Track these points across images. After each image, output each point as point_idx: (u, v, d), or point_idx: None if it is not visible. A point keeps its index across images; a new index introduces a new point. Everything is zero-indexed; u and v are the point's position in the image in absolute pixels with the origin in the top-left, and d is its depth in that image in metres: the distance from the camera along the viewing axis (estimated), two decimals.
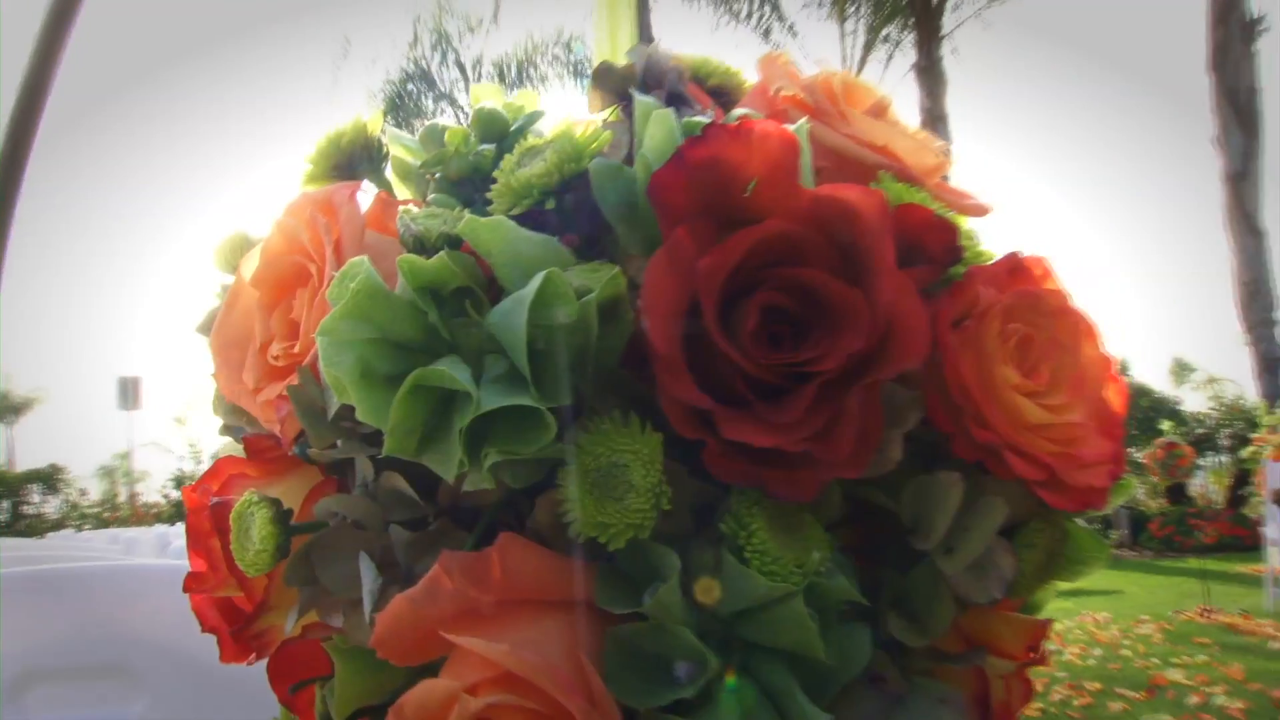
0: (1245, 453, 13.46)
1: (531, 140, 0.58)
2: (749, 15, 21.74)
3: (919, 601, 0.54)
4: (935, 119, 21.51)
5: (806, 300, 0.51)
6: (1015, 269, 0.57)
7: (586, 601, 0.52)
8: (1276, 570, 9.94)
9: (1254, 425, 13.51)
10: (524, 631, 0.51)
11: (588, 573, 0.52)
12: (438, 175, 0.62)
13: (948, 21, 21.56)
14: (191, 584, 0.64)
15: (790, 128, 0.54)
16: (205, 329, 0.67)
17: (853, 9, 22.13)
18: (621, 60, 0.63)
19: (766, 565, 0.50)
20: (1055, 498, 0.54)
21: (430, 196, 0.62)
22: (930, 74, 21.11)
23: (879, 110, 0.62)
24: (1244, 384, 20.71)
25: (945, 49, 21.63)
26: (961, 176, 0.65)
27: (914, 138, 0.61)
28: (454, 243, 0.54)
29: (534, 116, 0.63)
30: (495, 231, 0.52)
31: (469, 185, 0.60)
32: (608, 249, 0.57)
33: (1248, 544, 13.84)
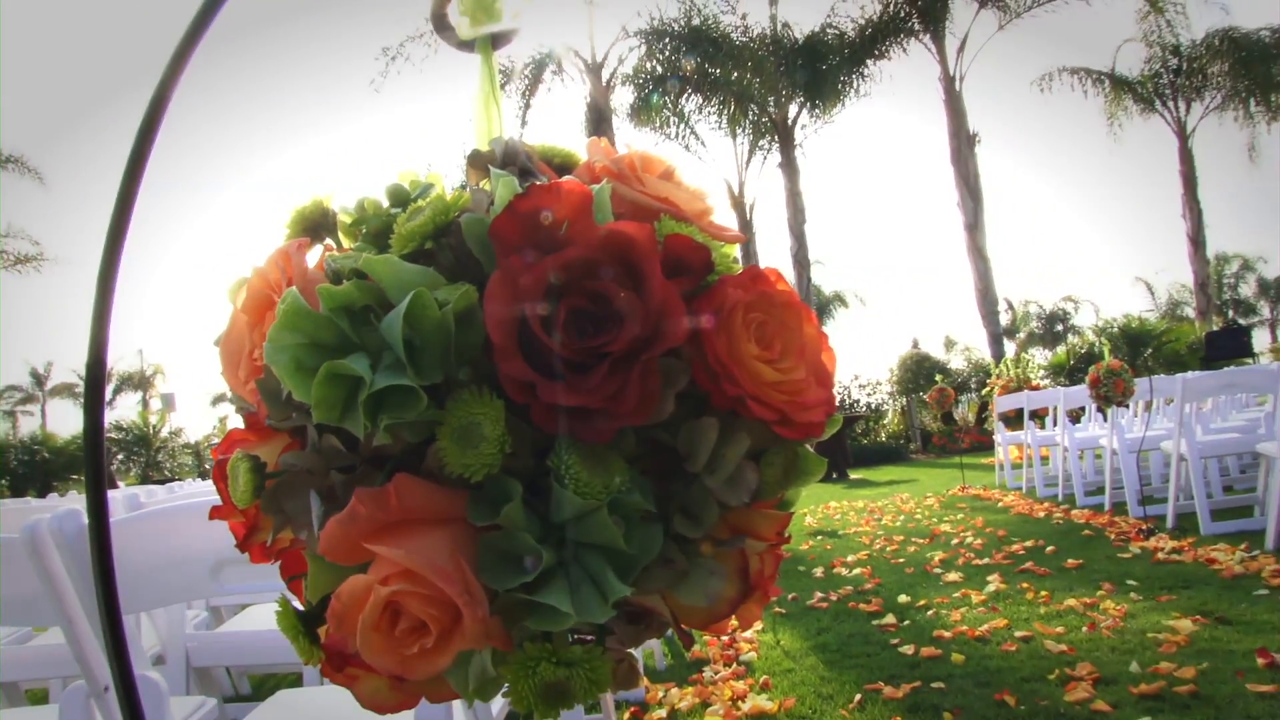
0: (985, 392, 13.67)
1: (419, 203, 0.53)
2: (677, 135, 23.95)
3: (694, 506, 0.51)
4: (793, 193, 23.19)
5: (600, 303, 0.47)
6: (756, 276, 0.54)
7: (463, 518, 0.48)
8: (1001, 461, 10.16)
9: (989, 374, 13.73)
10: (418, 541, 0.48)
11: (461, 498, 0.47)
12: (364, 230, 0.57)
13: (798, 135, 23.84)
14: (215, 512, 0.59)
15: (593, 187, 0.50)
16: (218, 342, 0.62)
17: (740, 130, 24.43)
18: (487, 148, 0.58)
19: (580, 488, 0.46)
20: (786, 431, 0.51)
21: (353, 245, 0.57)
22: (789, 167, 23.83)
23: (667, 175, 0.58)
24: (982, 350, 21.31)
25: (797, 152, 23.77)
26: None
27: (690, 192, 0.57)
28: (360, 275, 0.49)
29: (427, 188, 0.58)
30: (385, 265, 0.48)
31: (383, 236, 0.56)
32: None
33: (987, 447, 14.11)
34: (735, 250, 0.61)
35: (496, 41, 0.64)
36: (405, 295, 0.46)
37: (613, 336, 0.46)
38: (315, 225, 0.61)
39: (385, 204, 0.58)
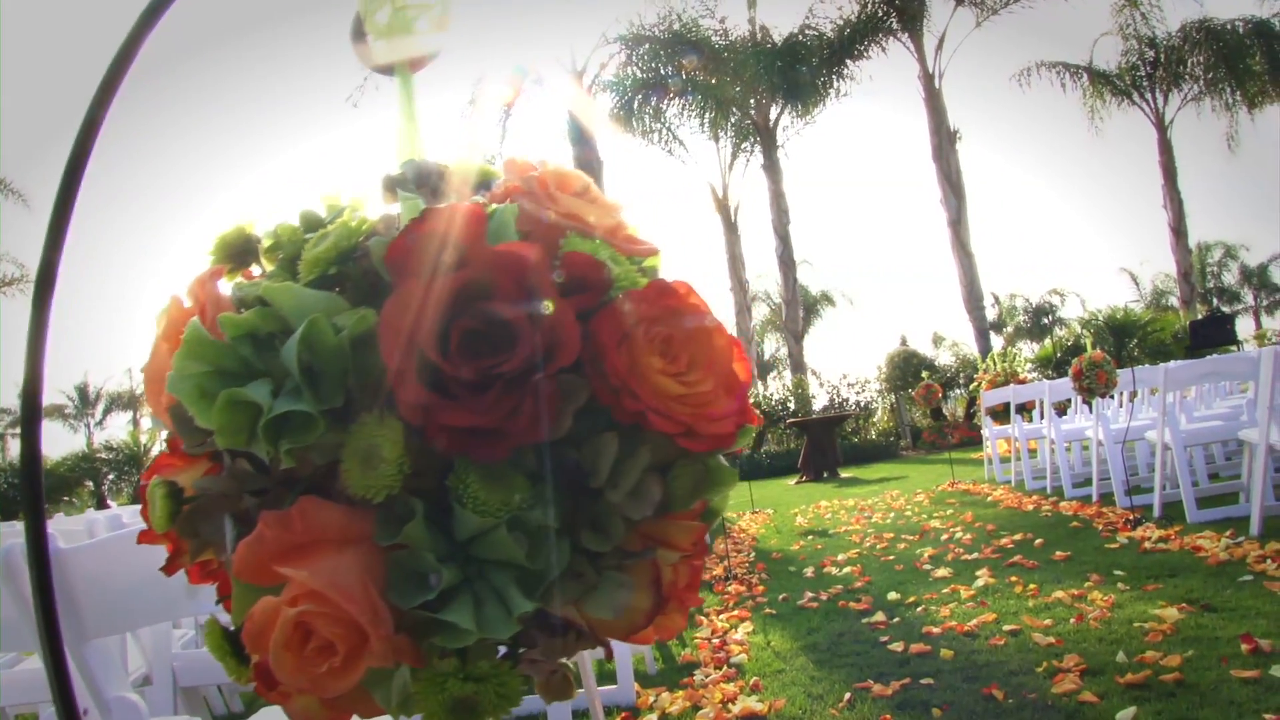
0: (972, 387, 13.72)
1: (327, 229, 0.54)
2: (659, 140, 24.43)
3: (601, 520, 0.51)
4: (777, 195, 24.13)
5: (492, 323, 0.47)
6: (663, 290, 0.54)
7: (371, 538, 0.48)
8: (990, 455, 10.18)
9: (976, 369, 13.79)
10: (325, 561, 0.48)
11: (369, 518, 0.48)
12: (280, 256, 0.58)
13: (780, 137, 24.41)
14: (143, 537, 0.60)
15: (497, 207, 0.50)
16: (143, 369, 0.63)
17: (722, 133, 24.99)
18: (398, 171, 0.59)
19: (478, 506, 0.47)
20: (691, 443, 0.51)
21: (263, 271, 0.58)
22: (771, 169, 24.35)
23: (581, 191, 0.59)
24: (970, 345, 21.40)
25: (780, 154, 24.47)
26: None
27: (602, 206, 0.58)
28: (264, 302, 0.49)
29: (339, 213, 0.59)
30: (285, 293, 0.48)
31: (296, 262, 0.56)
32: None
33: (976, 442, 14.17)
34: (658, 262, 0.62)
35: (415, 64, 0.64)
36: (305, 321, 0.47)
37: (505, 357, 0.47)
38: (239, 251, 0.62)
39: (300, 229, 0.59)
